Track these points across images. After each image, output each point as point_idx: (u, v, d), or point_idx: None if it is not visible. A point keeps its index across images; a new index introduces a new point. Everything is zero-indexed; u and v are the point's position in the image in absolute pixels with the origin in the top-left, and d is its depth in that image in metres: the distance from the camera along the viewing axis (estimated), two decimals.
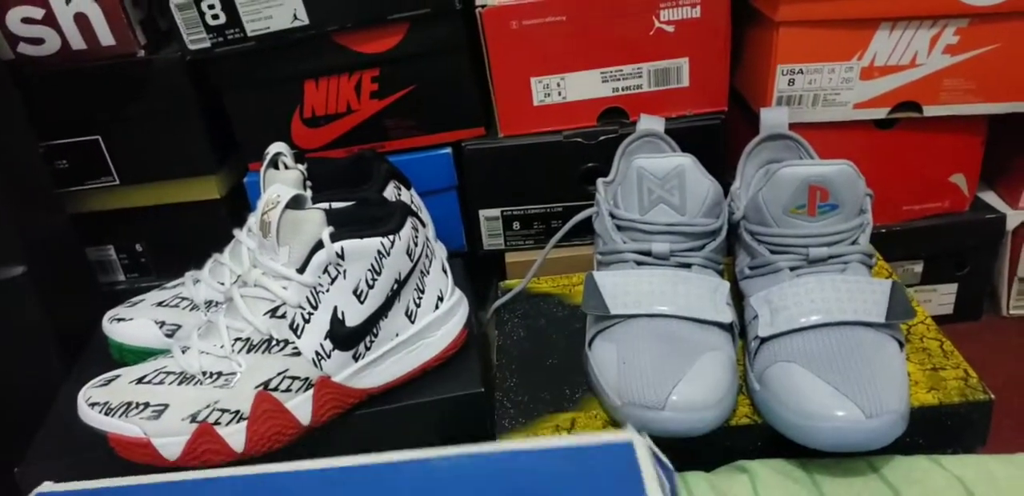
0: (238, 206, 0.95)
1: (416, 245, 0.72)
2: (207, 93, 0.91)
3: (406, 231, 0.70)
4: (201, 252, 0.85)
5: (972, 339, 0.74)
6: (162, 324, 0.78)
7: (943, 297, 1.02)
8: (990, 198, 1.00)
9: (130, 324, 0.78)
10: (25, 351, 0.82)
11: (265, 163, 0.79)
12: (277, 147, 0.80)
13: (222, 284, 0.79)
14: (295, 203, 0.68)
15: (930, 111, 0.90)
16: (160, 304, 0.80)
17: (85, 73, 0.88)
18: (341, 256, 0.67)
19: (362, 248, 0.68)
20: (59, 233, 0.89)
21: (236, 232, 0.82)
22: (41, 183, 0.87)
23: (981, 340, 0.78)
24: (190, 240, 0.94)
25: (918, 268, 0.99)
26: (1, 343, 0.81)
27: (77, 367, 0.81)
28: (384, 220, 0.70)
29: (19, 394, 0.81)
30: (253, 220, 0.81)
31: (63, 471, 0.69)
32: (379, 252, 0.68)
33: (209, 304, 0.79)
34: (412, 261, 0.71)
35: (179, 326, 0.78)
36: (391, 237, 0.69)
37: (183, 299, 0.80)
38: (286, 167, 0.79)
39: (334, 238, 0.67)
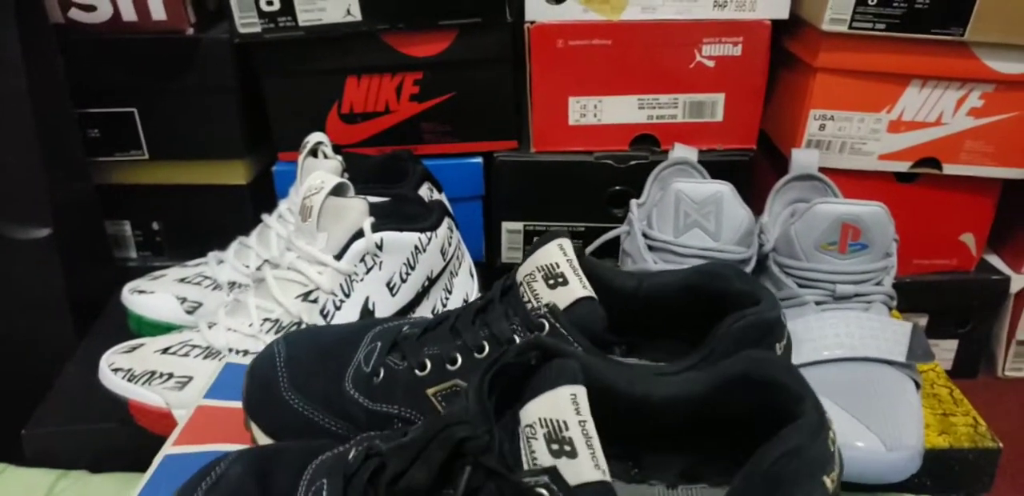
0: (261, 194, 0.95)
1: (450, 245, 0.72)
2: (247, 78, 0.91)
3: (443, 230, 0.71)
4: (217, 236, 0.85)
5: (968, 396, 0.76)
6: (183, 300, 0.77)
7: (944, 353, 1.04)
8: (994, 261, 1.02)
9: (151, 297, 0.77)
10: (40, 315, 0.81)
11: (305, 151, 0.79)
12: (317, 136, 0.80)
13: (247, 267, 0.79)
14: (338, 191, 0.69)
15: (949, 169, 0.92)
16: (182, 280, 0.79)
17: (131, 45, 0.88)
18: (380, 247, 0.67)
19: (400, 241, 0.68)
20: (85, 201, 0.88)
21: (265, 217, 0.82)
22: (73, 150, 0.87)
23: (977, 398, 0.79)
24: (208, 223, 0.95)
25: (923, 321, 1.01)
26: (18, 304, 0.80)
27: (89, 336, 0.80)
28: (423, 217, 0.71)
29: (30, 358, 0.80)
30: (284, 206, 0.81)
31: (69, 437, 0.69)
32: (416, 247, 0.69)
33: (232, 285, 0.79)
34: (445, 260, 0.72)
35: (200, 304, 0.77)
36: (429, 234, 0.70)
37: (205, 278, 0.79)
38: (325, 156, 0.80)
39: (374, 228, 0.67)
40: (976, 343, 1.04)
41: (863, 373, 0.66)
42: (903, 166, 0.93)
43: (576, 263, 0.51)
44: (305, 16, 0.86)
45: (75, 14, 0.86)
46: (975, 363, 1.05)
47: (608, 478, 0.37)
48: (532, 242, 0.97)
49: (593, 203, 0.94)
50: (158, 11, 0.86)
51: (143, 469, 0.66)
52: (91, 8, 0.86)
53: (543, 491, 0.36)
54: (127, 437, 0.67)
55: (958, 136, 0.91)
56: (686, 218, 0.73)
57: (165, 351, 0.66)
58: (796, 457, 0.38)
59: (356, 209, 0.67)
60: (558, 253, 0.51)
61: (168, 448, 0.55)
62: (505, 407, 0.40)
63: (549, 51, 0.89)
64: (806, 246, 0.72)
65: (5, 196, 0.80)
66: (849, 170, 0.93)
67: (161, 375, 0.64)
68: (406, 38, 0.89)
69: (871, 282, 0.72)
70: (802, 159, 0.86)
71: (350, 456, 0.44)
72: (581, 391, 0.38)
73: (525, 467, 0.38)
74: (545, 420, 0.38)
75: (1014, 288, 1.00)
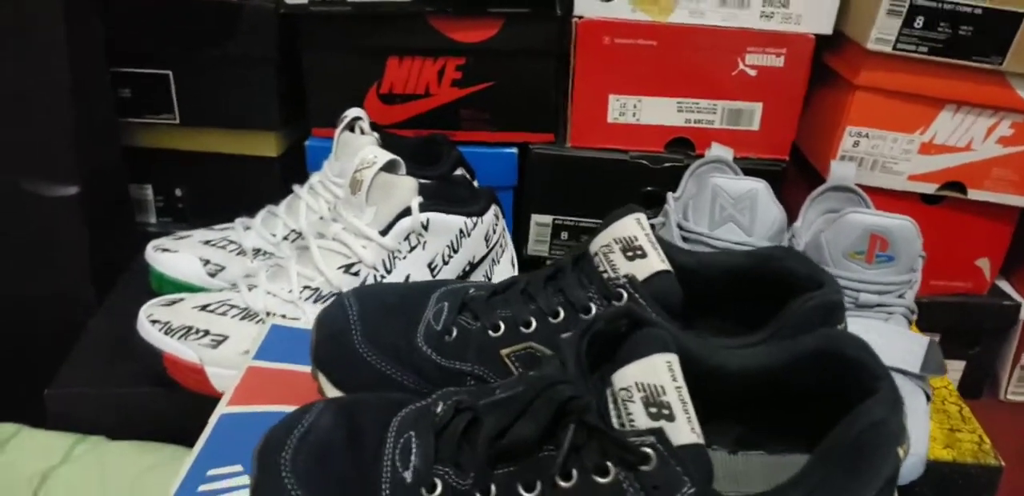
0: (290, 167, 0.93)
1: (494, 233, 0.72)
2: (288, 50, 0.90)
3: (489, 216, 0.70)
4: (242, 207, 0.84)
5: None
6: (207, 262, 0.76)
7: (951, 373, 1.04)
8: (1005, 286, 1.03)
9: (175, 256, 0.76)
10: (62, 273, 0.80)
11: (342, 126, 0.78)
12: (356, 112, 0.79)
13: (273, 235, 0.78)
14: (389, 167, 0.68)
15: (974, 195, 0.93)
16: (207, 243, 0.78)
17: (175, 6, 0.86)
18: (425, 227, 0.67)
19: (446, 223, 0.68)
20: (112, 162, 0.86)
21: (296, 188, 0.81)
22: (106, 109, 0.85)
23: (979, 418, 0.80)
24: (233, 193, 0.93)
25: (935, 340, 1.02)
26: (42, 262, 0.79)
27: (110, 298, 0.79)
28: (471, 201, 0.70)
29: (52, 318, 0.78)
30: (316, 179, 0.80)
31: (91, 397, 0.67)
32: (461, 231, 0.68)
33: (256, 252, 0.78)
34: (488, 247, 0.71)
35: (223, 267, 0.76)
36: (475, 219, 0.69)
37: (231, 242, 0.78)
38: (362, 132, 0.79)
39: (422, 208, 0.66)
40: (983, 365, 1.05)
41: None
42: (930, 188, 0.94)
43: (653, 237, 0.52)
44: None
45: None
46: (980, 384, 1.06)
47: (703, 441, 0.38)
48: (559, 236, 0.97)
49: (624, 202, 0.92)
50: None
51: (163, 437, 0.65)
52: None
53: (649, 450, 0.37)
54: (150, 403, 0.66)
55: (986, 163, 0.92)
56: (722, 212, 0.74)
57: (204, 308, 0.65)
58: (880, 428, 0.40)
59: (406, 187, 0.67)
60: (635, 226, 0.52)
61: (223, 408, 0.54)
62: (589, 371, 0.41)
63: (594, 47, 0.89)
64: (834, 253, 0.73)
65: (35, 152, 0.78)
66: (878, 188, 0.93)
67: (197, 331, 0.64)
68: (453, 22, 0.88)
69: (894, 294, 0.73)
70: (840, 171, 0.86)
71: (438, 410, 0.44)
72: (675, 359, 0.39)
73: (617, 428, 0.39)
74: (642, 384, 0.38)
75: None
